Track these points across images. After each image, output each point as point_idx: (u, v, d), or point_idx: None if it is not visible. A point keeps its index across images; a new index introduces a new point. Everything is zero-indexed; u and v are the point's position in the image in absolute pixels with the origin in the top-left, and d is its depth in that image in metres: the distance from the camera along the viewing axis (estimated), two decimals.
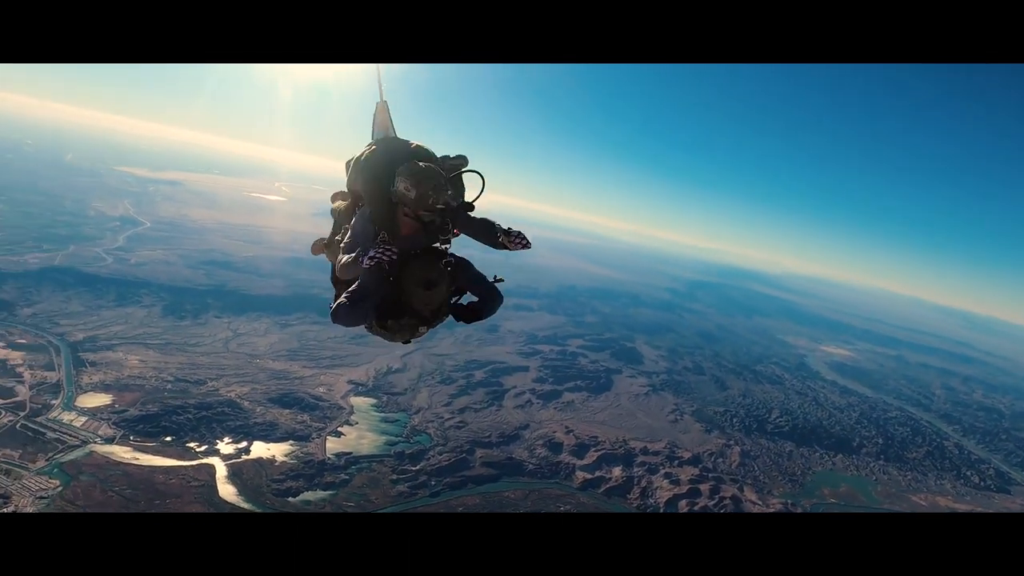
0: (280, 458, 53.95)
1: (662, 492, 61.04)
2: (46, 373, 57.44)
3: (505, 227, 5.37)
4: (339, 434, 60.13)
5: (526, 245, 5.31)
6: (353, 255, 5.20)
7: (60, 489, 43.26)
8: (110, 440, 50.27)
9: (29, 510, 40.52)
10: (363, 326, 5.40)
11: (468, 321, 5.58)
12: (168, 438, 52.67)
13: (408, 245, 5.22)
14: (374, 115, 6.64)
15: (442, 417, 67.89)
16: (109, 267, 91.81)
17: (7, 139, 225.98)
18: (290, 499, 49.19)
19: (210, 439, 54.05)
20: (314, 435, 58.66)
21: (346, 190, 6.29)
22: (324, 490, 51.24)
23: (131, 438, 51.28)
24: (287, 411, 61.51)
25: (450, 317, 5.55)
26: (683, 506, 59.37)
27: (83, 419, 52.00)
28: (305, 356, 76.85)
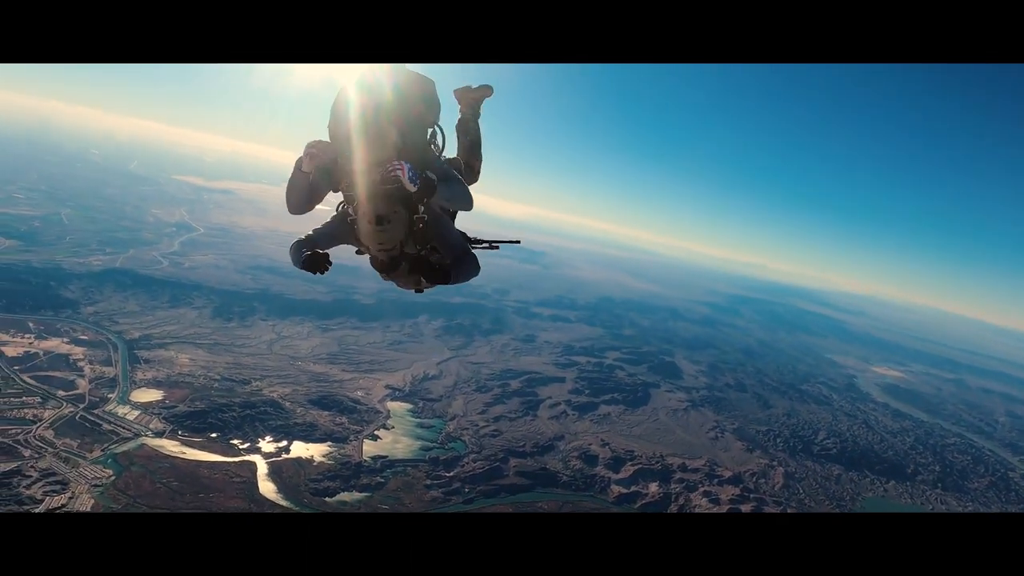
0: (318, 458, 55.01)
1: (701, 511, 59.10)
2: (104, 368, 60.53)
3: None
4: (376, 437, 60.96)
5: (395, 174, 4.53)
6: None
7: (113, 479, 45.22)
8: (160, 434, 52.43)
9: (84, 498, 42.49)
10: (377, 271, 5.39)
11: (433, 280, 5.29)
12: (214, 434, 54.54)
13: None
14: None
15: (477, 425, 67.93)
16: (164, 270, 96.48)
17: (76, 150, 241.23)
18: (327, 499, 49.98)
19: (253, 437, 55.67)
20: (351, 437, 59.64)
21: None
22: (360, 492, 51.91)
23: (179, 433, 53.35)
24: (326, 413, 62.78)
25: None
26: None
27: (136, 413, 54.44)
28: (345, 360, 78.47)
